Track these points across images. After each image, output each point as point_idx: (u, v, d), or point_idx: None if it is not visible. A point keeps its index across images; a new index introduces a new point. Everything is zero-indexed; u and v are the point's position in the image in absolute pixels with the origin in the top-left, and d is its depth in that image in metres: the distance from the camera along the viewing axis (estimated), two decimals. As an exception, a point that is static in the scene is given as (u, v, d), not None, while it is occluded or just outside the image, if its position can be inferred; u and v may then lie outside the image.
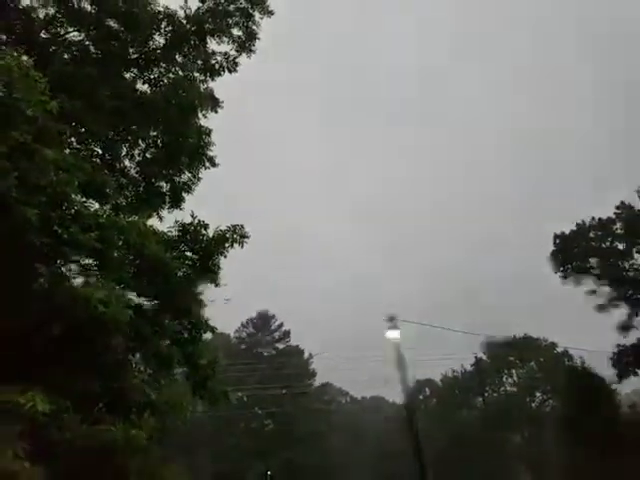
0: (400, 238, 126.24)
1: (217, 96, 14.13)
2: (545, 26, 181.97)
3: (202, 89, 13.83)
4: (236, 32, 13.81)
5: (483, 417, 62.50)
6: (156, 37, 13.39)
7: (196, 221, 12.40)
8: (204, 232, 12.40)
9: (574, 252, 35.44)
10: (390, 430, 68.18)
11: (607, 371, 34.38)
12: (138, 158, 13.11)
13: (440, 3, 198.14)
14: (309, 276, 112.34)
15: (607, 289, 34.93)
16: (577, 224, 36.22)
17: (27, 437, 7.25)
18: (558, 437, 40.05)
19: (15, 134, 8.08)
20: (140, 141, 12.95)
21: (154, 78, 13.50)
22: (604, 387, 32.54)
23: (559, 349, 61.75)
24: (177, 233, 12.24)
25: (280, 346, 69.87)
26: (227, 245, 12.30)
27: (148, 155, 13.14)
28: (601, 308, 34.95)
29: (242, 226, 12.51)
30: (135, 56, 13.40)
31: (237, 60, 13.97)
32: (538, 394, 64.30)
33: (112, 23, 12.68)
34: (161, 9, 13.10)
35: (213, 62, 13.88)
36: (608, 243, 35.33)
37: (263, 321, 70.85)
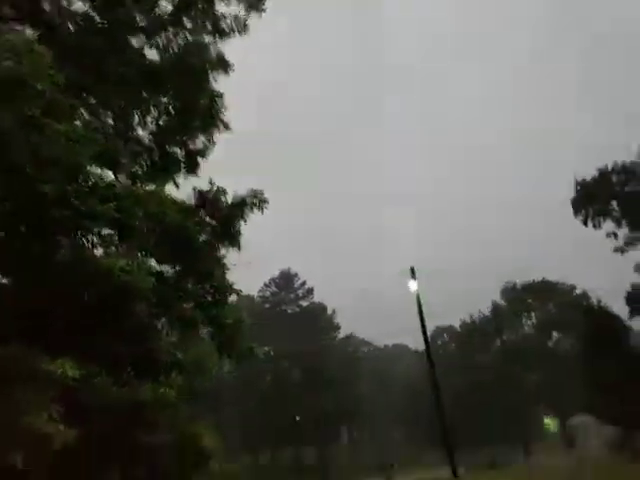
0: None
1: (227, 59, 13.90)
2: (545, 26, 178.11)
3: (212, 52, 13.62)
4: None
5: (502, 358, 63.03)
6: (163, 2, 13.17)
7: (215, 188, 12.48)
8: (223, 199, 12.48)
9: (596, 196, 35.13)
10: (412, 376, 69.29)
11: (624, 310, 35.36)
12: (151, 126, 13.07)
13: (440, 3, 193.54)
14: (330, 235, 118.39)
15: (626, 231, 35.15)
16: (599, 169, 35.68)
17: (60, 401, 7.59)
18: (575, 373, 41.11)
19: (24, 108, 8.15)
20: (152, 108, 12.86)
21: (163, 44, 13.32)
22: (619, 324, 33.63)
23: (577, 291, 61.39)
24: (196, 201, 12.34)
25: (304, 303, 70.71)
26: (246, 210, 12.38)
27: (161, 122, 13.08)
28: (620, 250, 35.46)
29: (262, 191, 12.54)
30: (142, 23, 13.22)
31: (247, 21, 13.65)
32: (555, 334, 64.40)
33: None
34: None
35: (222, 25, 13.62)
36: (630, 187, 34.89)
37: (286, 280, 71.32)
